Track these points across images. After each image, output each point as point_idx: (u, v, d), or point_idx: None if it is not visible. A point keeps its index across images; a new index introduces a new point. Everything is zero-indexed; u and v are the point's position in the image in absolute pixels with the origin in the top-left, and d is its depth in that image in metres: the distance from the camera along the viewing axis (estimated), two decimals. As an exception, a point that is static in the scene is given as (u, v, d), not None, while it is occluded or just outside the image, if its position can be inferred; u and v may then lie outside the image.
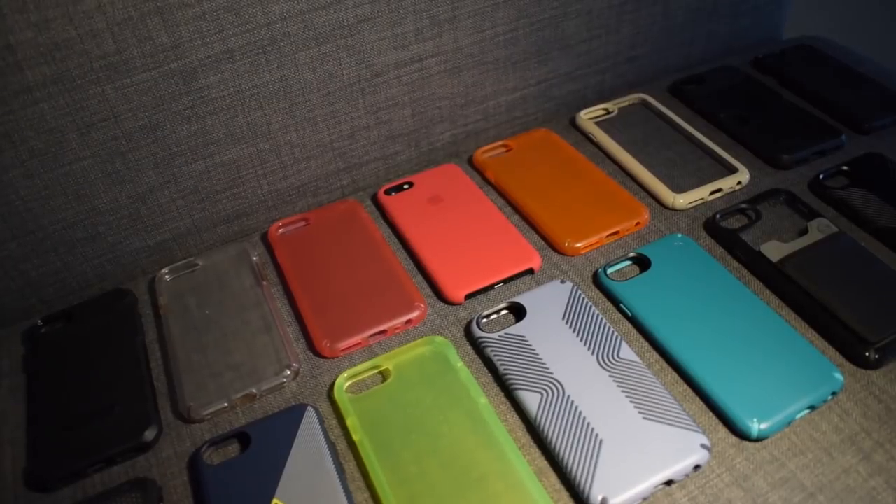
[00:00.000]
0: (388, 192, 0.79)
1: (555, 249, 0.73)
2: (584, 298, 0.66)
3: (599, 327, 0.63)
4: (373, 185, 0.83)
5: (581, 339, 0.62)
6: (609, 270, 0.70)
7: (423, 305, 0.66)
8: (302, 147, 0.77)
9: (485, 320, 0.66)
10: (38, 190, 0.66)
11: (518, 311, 0.66)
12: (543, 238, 0.74)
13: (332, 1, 0.70)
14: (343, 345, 0.64)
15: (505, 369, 0.61)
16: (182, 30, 0.64)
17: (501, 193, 0.79)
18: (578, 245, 0.72)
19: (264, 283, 0.70)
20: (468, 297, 0.68)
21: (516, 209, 0.77)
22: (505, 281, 0.69)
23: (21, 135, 0.63)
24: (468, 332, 0.66)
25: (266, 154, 0.76)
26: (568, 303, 0.66)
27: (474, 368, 0.63)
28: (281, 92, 0.72)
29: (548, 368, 0.60)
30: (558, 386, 0.59)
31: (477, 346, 0.65)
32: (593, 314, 0.65)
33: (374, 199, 0.80)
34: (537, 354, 0.61)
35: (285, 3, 0.67)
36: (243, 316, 0.67)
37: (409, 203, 0.77)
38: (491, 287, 0.68)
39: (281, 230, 0.75)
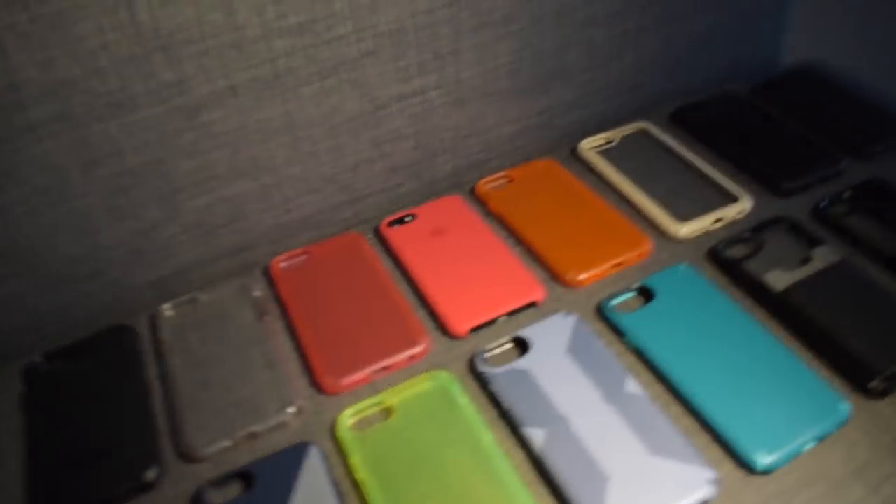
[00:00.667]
0: (390, 225, 0.79)
1: (558, 281, 0.73)
2: (588, 331, 0.65)
3: (604, 361, 0.63)
4: (375, 217, 0.83)
5: (586, 374, 0.62)
6: (613, 302, 0.70)
7: (425, 340, 0.66)
8: (305, 181, 0.77)
9: (488, 355, 0.66)
10: (42, 227, 0.66)
11: (522, 345, 0.66)
12: (546, 270, 0.74)
13: (336, 36, 0.70)
14: (346, 381, 0.64)
15: (509, 405, 0.61)
16: (186, 66, 0.64)
17: (504, 225, 0.79)
18: (581, 277, 0.72)
19: (266, 317, 0.70)
20: (472, 330, 0.68)
21: (519, 240, 0.77)
22: (509, 314, 0.69)
23: (25, 172, 0.63)
24: (472, 368, 0.66)
25: (269, 188, 0.76)
26: (572, 336, 0.65)
27: (479, 404, 0.63)
28: (284, 126, 0.72)
29: (553, 404, 0.60)
30: (564, 421, 0.58)
31: (481, 382, 0.64)
32: (598, 347, 0.64)
33: (377, 232, 0.80)
34: (542, 389, 0.61)
35: (289, 39, 0.67)
36: (245, 352, 0.66)
37: (411, 235, 0.77)
38: (494, 321, 0.68)
39: (283, 264, 0.75)
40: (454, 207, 0.80)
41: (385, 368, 0.65)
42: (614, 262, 0.73)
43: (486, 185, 0.84)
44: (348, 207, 0.83)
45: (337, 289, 0.71)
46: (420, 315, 0.71)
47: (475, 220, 0.79)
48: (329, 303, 0.70)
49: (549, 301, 0.71)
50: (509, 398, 0.61)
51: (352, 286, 0.71)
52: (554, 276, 0.73)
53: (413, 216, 0.80)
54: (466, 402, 0.61)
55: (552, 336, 0.66)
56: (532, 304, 0.70)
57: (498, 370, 0.64)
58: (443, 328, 0.69)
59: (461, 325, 0.68)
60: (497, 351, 0.67)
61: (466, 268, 0.72)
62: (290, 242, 0.81)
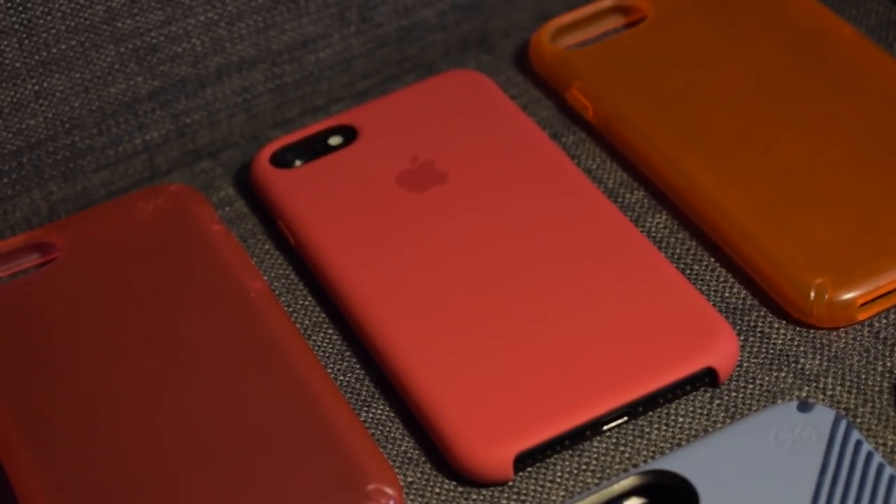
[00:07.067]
0: (281, 160, 0.36)
1: (779, 308, 0.33)
2: (876, 458, 0.27)
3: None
4: (239, 138, 0.39)
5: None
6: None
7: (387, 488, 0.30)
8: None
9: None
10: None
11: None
12: (746, 274, 0.34)
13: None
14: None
15: None
16: None
17: (625, 154, 0.37)
18: (851, 296, 0.31)
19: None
20: (521, 459, 0.29)
21: (668, 195, 0.36)
22: (630, 412, 0.29)
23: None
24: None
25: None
26: (828, 469, 0.26)
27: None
28: None
29: None
30: None
31: None
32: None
33: (251, 178, 0.37)
34: None
35: None
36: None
37: (348, 194, 0.35)
38: (585, 430, 0.29)
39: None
40: (467, 103, 0.38)
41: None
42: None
43: (565, 33, 0.40)
44: (159, 110, 0.39)
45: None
46: (382, 420, 0.32)
47: (531, 142, 0.37)
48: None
49: (752, 367, 0.32)
50: None
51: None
52: (769, 289, 0.34)
53: (349, 132, 0.36)
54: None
55: (768, 477, 0.26)
56: (702, 379, 0.31)
57: None
58: (442, 448, 0.29)
59: (493, 443, 0.28)
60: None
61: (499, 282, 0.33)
62: None
